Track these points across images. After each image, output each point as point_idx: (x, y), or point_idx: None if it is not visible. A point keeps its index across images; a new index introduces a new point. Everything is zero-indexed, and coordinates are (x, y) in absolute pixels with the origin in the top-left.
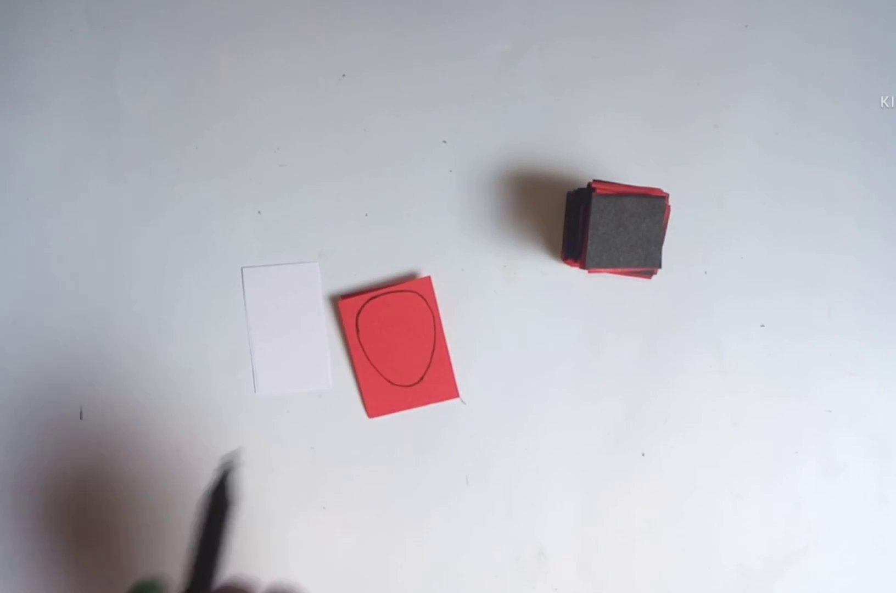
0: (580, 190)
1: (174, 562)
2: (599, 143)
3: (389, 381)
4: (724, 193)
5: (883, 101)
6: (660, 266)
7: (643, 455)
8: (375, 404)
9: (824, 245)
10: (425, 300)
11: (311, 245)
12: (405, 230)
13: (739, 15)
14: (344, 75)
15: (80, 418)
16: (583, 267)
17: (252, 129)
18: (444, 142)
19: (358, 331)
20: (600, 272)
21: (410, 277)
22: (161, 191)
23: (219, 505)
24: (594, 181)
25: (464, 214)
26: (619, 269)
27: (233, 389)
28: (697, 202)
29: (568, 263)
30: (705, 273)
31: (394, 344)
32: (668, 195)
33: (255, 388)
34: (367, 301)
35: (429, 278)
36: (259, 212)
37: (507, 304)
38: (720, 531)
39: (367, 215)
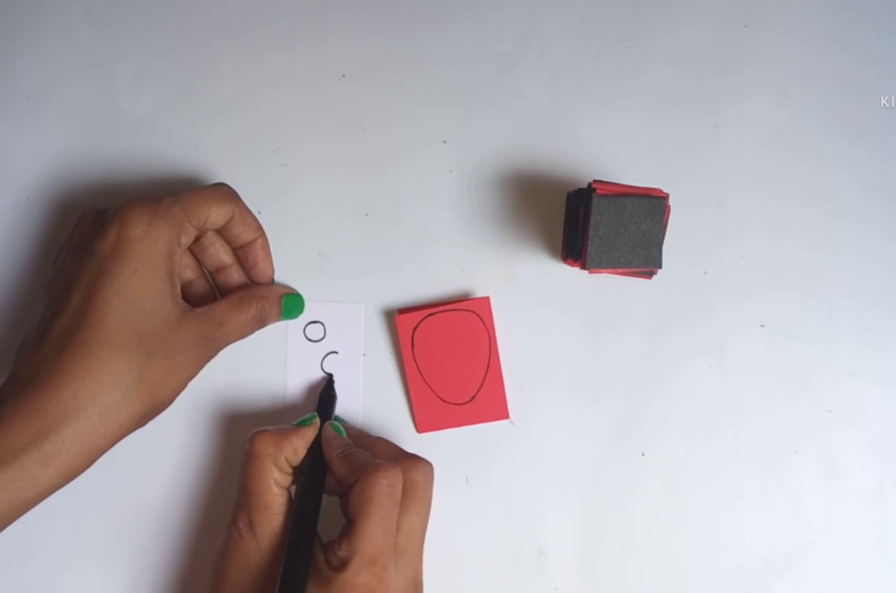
0: (580, 190)
1: (174, 563)
2: (599, 143)
3: (441, 398)
4: (724, 193)
5: (883, 101)
6: (660, 266)
7: (643, 455)
8: (425, 420)
9: (824, 245)
10: (482, 320)
11: (311, 245)
12: (405, 230)
13: (739, 15)
14: (344, 75)
15: None
16: (583, 267)
17: (252, 129)
18: (444, 142)
19: (413, 347)
20: (601, 272)
21: (411, 277)
22: (161, 192)
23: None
24: (594, 181)
25: (464, 214)
26: (620, 270)
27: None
28: (697, 202)
29: (568, 263)
30: (705, 273)
31: (448, 361)
32: (668, 195)
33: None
34: (425, 317)
35: (487, 299)
36: (259, 212)
37: (507, 304)
38: (720, 531)
39: (367, 215)
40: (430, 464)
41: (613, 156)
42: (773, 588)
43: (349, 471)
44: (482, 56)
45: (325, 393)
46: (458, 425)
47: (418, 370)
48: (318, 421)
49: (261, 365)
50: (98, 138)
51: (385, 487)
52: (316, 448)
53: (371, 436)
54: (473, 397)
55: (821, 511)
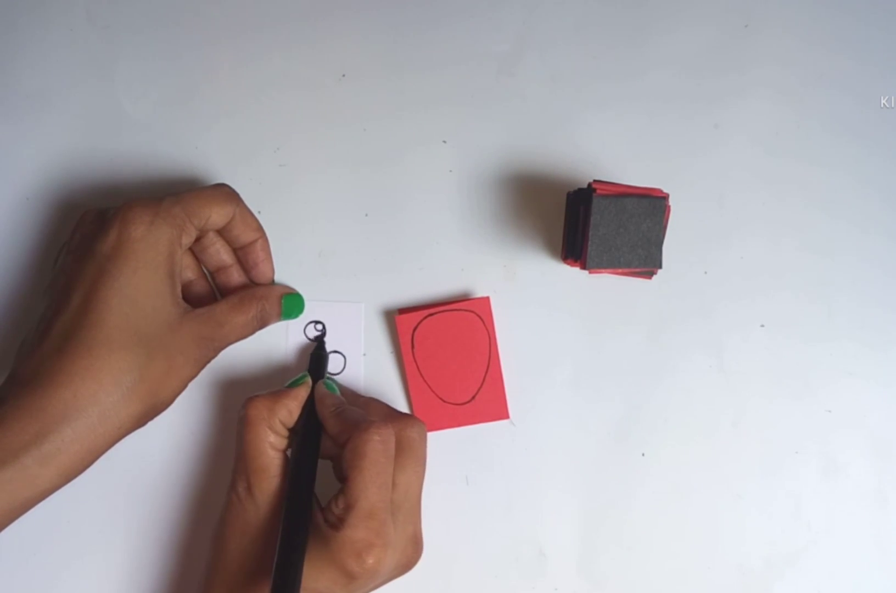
0: (580, 190)
1: (172, 563)
2: (599, 143)
3: (441, 399)
4: (724, 193)
5: (883, 101)
6: (660, 266)
7: (643, 455)
8: (425, 420)
9: (824, 245)
10: (482, 320)
11: (311, 245)
12: (405, 230)
13: (739, 15)
14: (344, 75)
15: None
16: (583, 267)
17: (252, 129)
18: (444, 142)
19: (413, 347)
20: (601, 272)
21: (411, 277)
22: (161, 192)
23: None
24: (594, 181)
25: (464, 214)
26: (620, 270)
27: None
28: (697, 202)
29: (568, 263)
30: (705, 273)
31: (447, 362)
32: (668, 195)
33: None
34: (425, 317)
35: (487, 299)
36: (259, 213)
37: (507, 304)
38: (720, 531)
39: (367, 215)
40: (424, 424)
41: (613, 157)
42: (773, 588)
43: (342, 429)
44: (482, 56)
45: (316, 353)
46: (458, 425)
47: (418, 370)
48: (309, 380)
49: (261, 365)
50: (98, 138)
51: (378, 443)
52: (310, 408)
53: (364, 397)
54: (473, 397)
55: (821, 511)
